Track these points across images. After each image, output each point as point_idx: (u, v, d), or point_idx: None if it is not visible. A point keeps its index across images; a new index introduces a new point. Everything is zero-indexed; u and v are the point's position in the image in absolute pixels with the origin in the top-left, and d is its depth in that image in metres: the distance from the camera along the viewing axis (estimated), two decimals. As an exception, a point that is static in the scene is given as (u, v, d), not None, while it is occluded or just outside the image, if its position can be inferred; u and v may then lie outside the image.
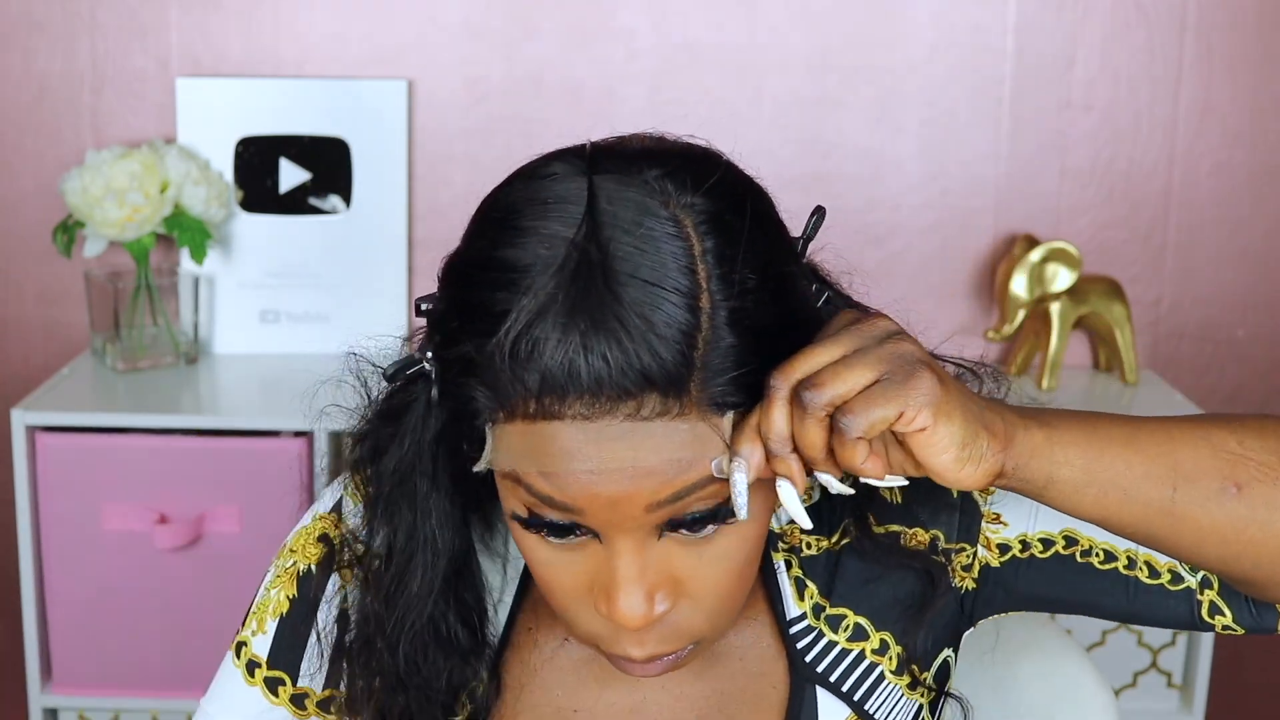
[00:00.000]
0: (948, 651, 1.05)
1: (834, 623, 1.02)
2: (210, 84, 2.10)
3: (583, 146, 0.92)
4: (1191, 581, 0.98)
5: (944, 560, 1.01)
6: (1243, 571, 0.91)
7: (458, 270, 0.88)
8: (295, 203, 2.11)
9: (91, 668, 1.94)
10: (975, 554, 1.01)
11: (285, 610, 1.02)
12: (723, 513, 0.85)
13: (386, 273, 2.13)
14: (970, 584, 1.02)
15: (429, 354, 0.89)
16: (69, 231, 2.02)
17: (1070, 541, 1.00)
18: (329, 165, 2.11)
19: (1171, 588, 0.99)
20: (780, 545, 1.02)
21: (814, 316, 0.89)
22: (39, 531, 1.91)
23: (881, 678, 1.01)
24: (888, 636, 1.02)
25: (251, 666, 1.02)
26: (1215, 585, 0.98)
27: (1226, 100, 2.14)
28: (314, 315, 2.13)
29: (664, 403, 0.81)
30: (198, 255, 2.02)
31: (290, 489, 1.84)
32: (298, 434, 1.89)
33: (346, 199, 2.12)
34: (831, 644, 1.01)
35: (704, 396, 0.82)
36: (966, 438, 0.81)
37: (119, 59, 2.12)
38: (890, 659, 1.02)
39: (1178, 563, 0.98)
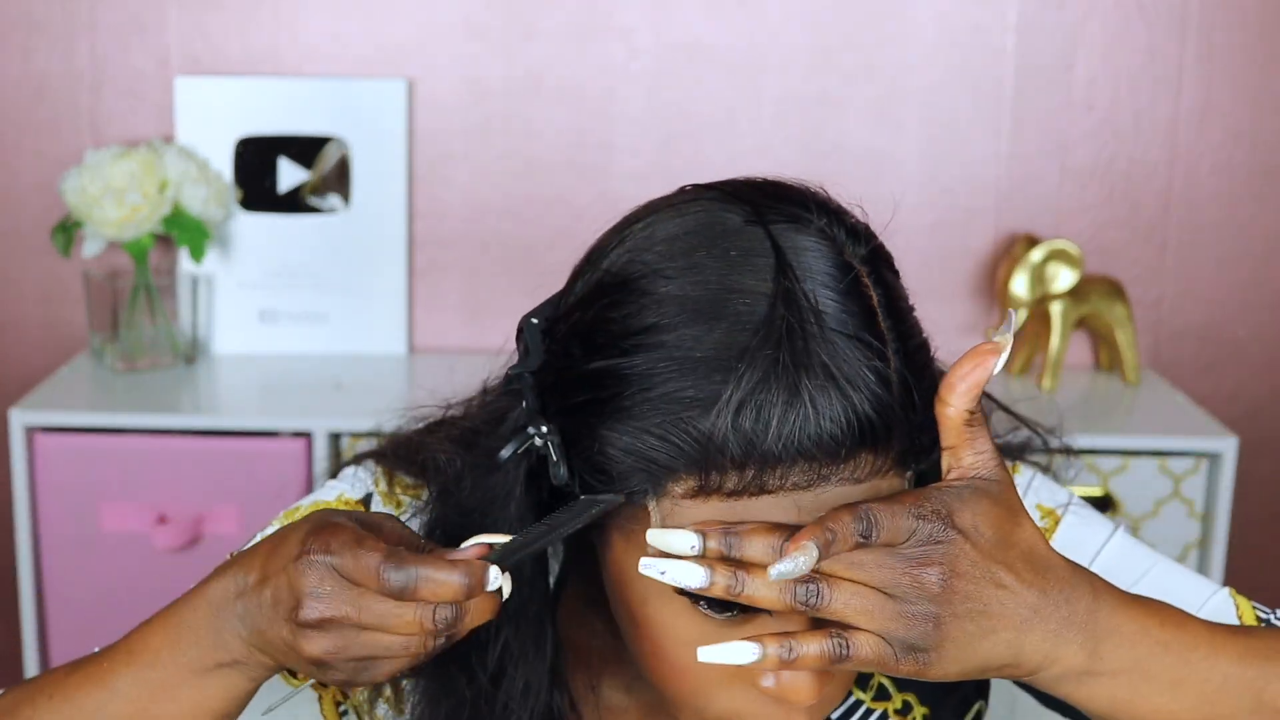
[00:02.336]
0: (979, 704, 1.04)
1: (861, 681, 1.01)
2: (209, 83, 2.09)
3: (725, 188, 0.84)
4: None
5: None
6: None
7: (606, 336, 0.81)
8: (294, 202, 2.11)
9: (90, 668, 1.94)
10: None
11: None
12: None
13: (386, 273, 2.13)
14: None
15: (543, 429, 0.84)
16: (68, 231, 2.02)
17: None
18: (317, 163, 2.11)
19: None
20: None
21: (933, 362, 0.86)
22: (38, 532, 1.90)
23: None
24: (910, 698, 1.01)
25: None
26: None
27: (1227, 100, 2.14)
28: (313, 315, 2.13)
29: (874, 461, 0.78)
30: (197, 255, 2.02)
31: (289, 489, 1.84)
32: (297, 434, 1.89)
33: (346, 199, 2.11)
34: (858, 702, 1.00)
35: (898, 452, 0.79)
36: (989, 664, 0.78)
37: (118, 58, 2.11)
38: (914, 719, 1.01)
39: None
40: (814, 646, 0.76)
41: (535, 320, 0.86)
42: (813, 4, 2.11)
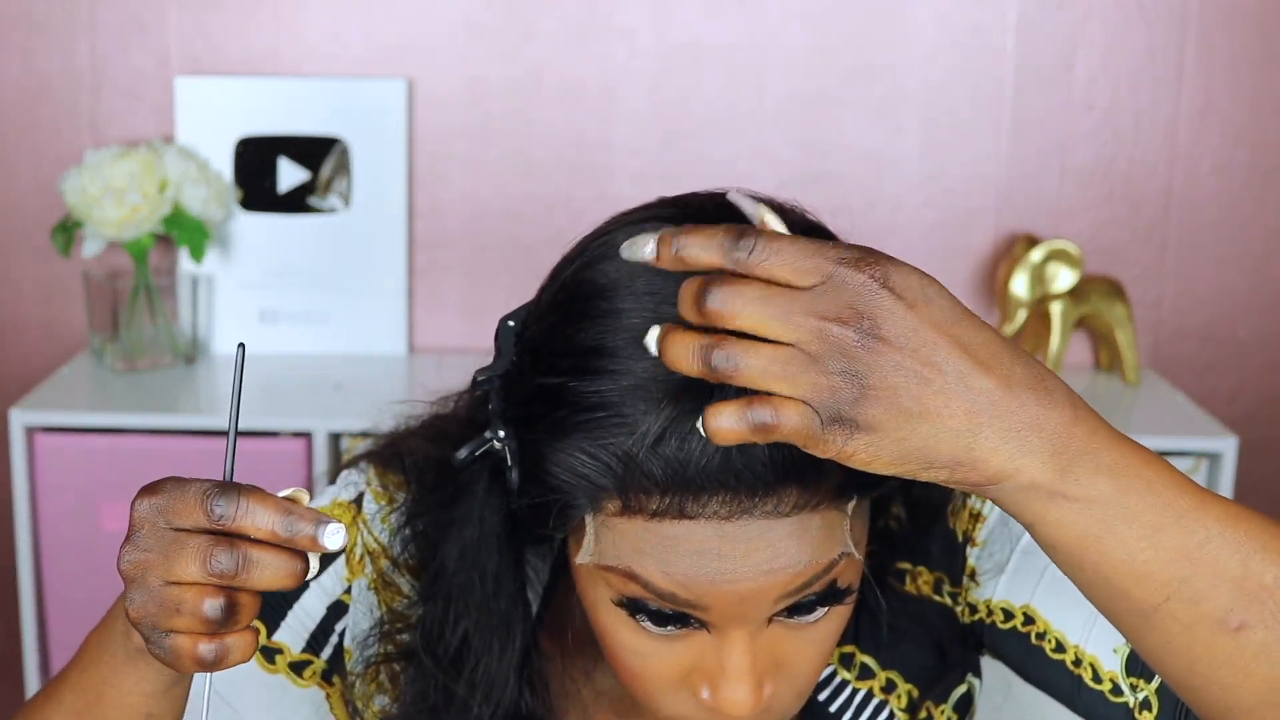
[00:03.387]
0: (971, 678, 1.04)
1: (845, 661, 1.01)
2: (209, 83, 2.09)
3: (677, 209, 0.85)
4: (1130, 699, 0.92)
5: (949, 604, 1.00)
6: (1199, 704, 0.76)
7: (555, 353, 0.82)
8: (295, 202, 2.11)
9: (90, 668, 1.94)
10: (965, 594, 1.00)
11: None
12: (835, 594, 0.84)
13: (386, 272, 2.13)
14: (969, 619, 1.01)
15: (500, 433, 0.85)
16: (68, 231, 2.02)
17: (1028, 620, 0.96)
18: (319, 168, 2.11)
19: (1111, 698, 0.93)
20: None
21: None
22: (37, 532, 1.90)
23: (892, 716, 1.01)
24: (895, 675, 1.01)
25: None
26: (1154, 710, 0.91)
27: (1227, 100, 2.14)
28: (313, 315, 2.13)
29: (802, 495, 0.79)
30: (197, 255, 2.02)
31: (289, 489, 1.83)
32: (297, 434, 1.89)
33: (346, 199, 2.11)
34: (845, 682, 1.01)
35: (834, 485, 0.79)
36: (925, 464, 0.70)
37: (118, 58, 2.11)
38: (899, 696, 1.01)
39: (1120, 674, 0.92)
40: (754, 361, 0.69)
41: (511, 324, 0.88)
42: (813, 4, 2.11)
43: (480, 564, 0.91)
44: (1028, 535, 0.97)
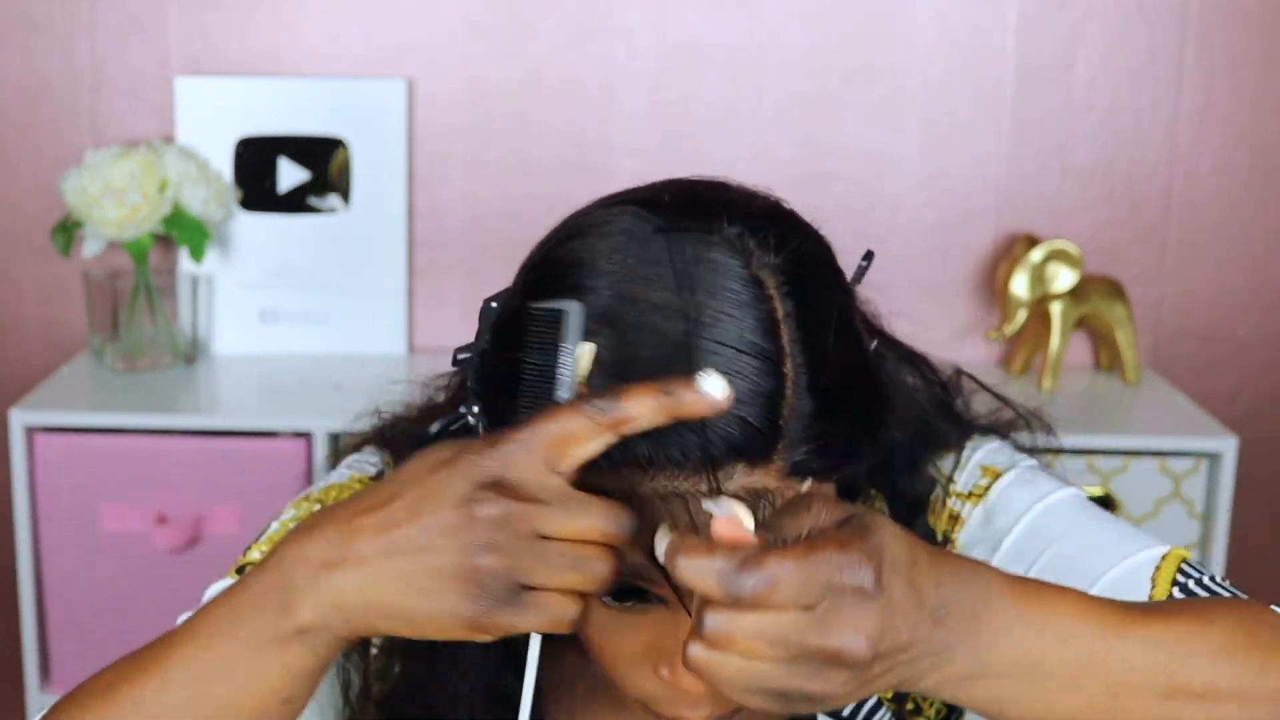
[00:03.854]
0: None
1: None
2: (209, 83, 2.09)
3: (650, 194, 0.86)
4: None
5: None
6: None
7: (516, 329, 0.82)
8: (295, 202, 2.11)
9: (90, 669, 1.92)
10: None
11: None
12: None
13: (386, 273, 2.13)
14: None
15: (475, 409, 0.85)
16: (67, 231, 2.02)
17: None
18: (329, 165, 2.11)
19: None
20: None
21: (875, 373, 0.86)
22: (37, 532, 1.90)
23: (879, 705, 1.01)
24: None
25: None
26: None
27: (1228, 100, 2.14)
28: (313, 315, 2.13)
29: (749, 472, 0.79)
30: (197, 255, 2.02)
31: (289, 489, 1.83)
32: (297, 434, 1.89)
33: (346, 199, 2.11)
34: None
35: (787, 464, 0.79)
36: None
37: (118, 58, 2.11)
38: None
39: None
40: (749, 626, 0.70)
41: (494, 304, 0.88)
42: (813, 4, 2.11)
43: None
44: (1009, 539, 0.97)
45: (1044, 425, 1.05)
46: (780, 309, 0.80)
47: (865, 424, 0.83)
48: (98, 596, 1.92)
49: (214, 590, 0.97)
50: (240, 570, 0.99)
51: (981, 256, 2.17)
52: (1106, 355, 2.15)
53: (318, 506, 1.00)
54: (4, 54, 2.11)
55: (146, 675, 0.81)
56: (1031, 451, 1.05)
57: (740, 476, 0.79)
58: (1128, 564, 0.93)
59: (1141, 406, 2.05)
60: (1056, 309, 2.06)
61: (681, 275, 0.79)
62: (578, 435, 0.74)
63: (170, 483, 1.89)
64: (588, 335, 0.79)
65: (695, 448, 0.77)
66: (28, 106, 2.13)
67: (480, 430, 0.85)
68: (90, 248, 2.01)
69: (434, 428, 0.88)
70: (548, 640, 0.99)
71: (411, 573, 0.72)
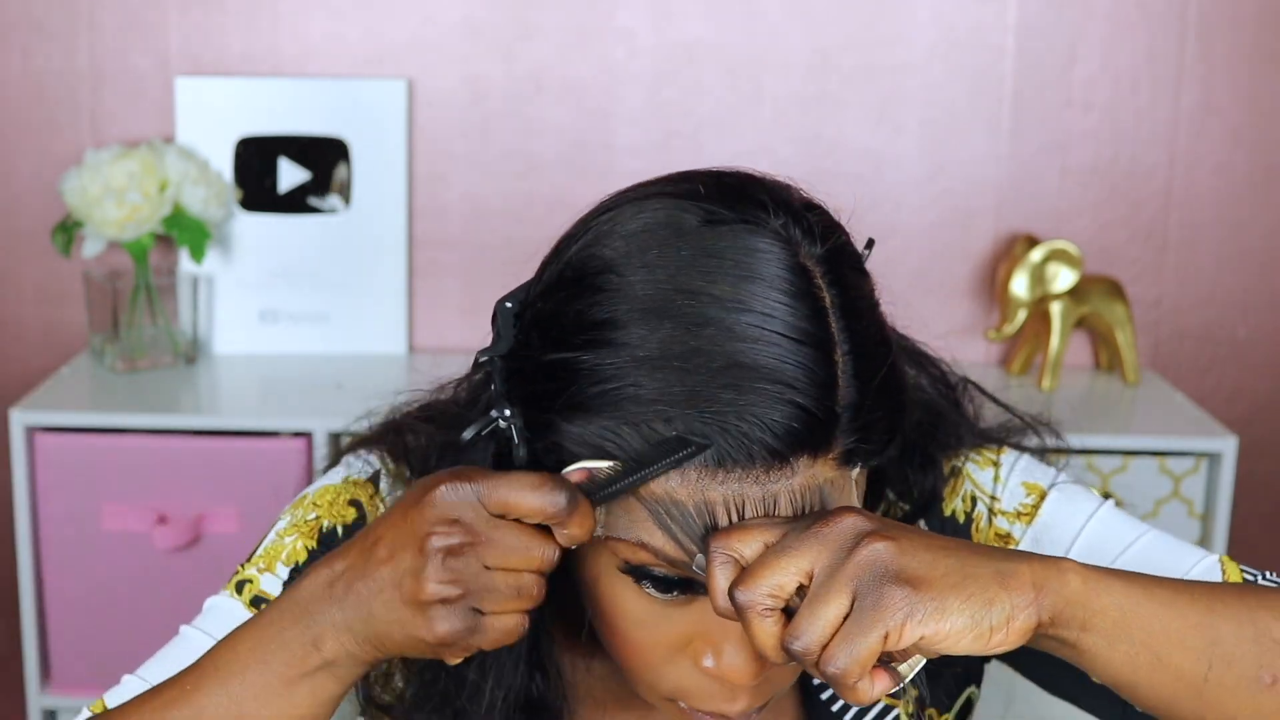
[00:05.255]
0: (971, 688, 1.04)
1: None
2: (209, 83, 2.09)
3: (683, 186, 0.86)
4: None
5: None
6: None
7: (565, 329, 0.83)
8: (295, 202, 2.11)
9: (90, 668, 1.94)
10: None
11: (302, 560, 0.98)
12: None
13: (386, 273, 2.13)
14: None
15: (506, 412, 0.86)
16: (68, 231, 2.02)
17: None
18: (328, 165, 2.11)
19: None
20: None
21: (898, 361, 0.87)
22: (38, 532, 1.90)
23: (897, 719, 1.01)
24: None
25: (257, 602, 0.96)
26: None
27: (1227, 100, 2.14)
28: (313, 315, 2.13)
29: (811, 462, 0.80)
30: (197, 255, 2.02)
31: (289, 489, 1.84)
32: (297, 434, 1.89)
33: (346, 199, 2.11)
34: None
35: (841, 451, 0.80)
36: (977, 613, 0.75)
37: (118, 58, 2.11)
38: (906, 701, 1.01)
39: None
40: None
41: (509, 305, 0.88)
42: (813, 4, 2.11)
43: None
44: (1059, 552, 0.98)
45: (1054, 433, 1.06)
46: (827, 297, 0.81)
47: (898, 409, 0.84)
48: (98, 596, 1.92)
49: (214, 603, 0.98)
50: (239, 586, 0.98)
51: (981, 256, 2.17)
52: (1106, 355, 2.15)
53: (315, 512, 1.00)
54: (4, 54, 2.12)
55: (178, 708, 0.85)
56: (1041, 454, 1.05)
57: (803, 470, 0.79)
58: (1196, 572, 0.95)
59: (1141, 406, 2.05)
60: (1056, 309, 2.06)
61: (741, 266, 0.80)
62: (527, 511, 0.79)
63: (170, 483, 1.89)
64: (643, 329, 0.80)
65: (762, 447, 0.78)
66: (28, 106, 2.13)
67: (513, 434, 0.85)
68: (90, 248, 2.01)
69: (467, 434, 0.88)
70: (577, 651, 1.00)
71: (392, 605, 0.80)
